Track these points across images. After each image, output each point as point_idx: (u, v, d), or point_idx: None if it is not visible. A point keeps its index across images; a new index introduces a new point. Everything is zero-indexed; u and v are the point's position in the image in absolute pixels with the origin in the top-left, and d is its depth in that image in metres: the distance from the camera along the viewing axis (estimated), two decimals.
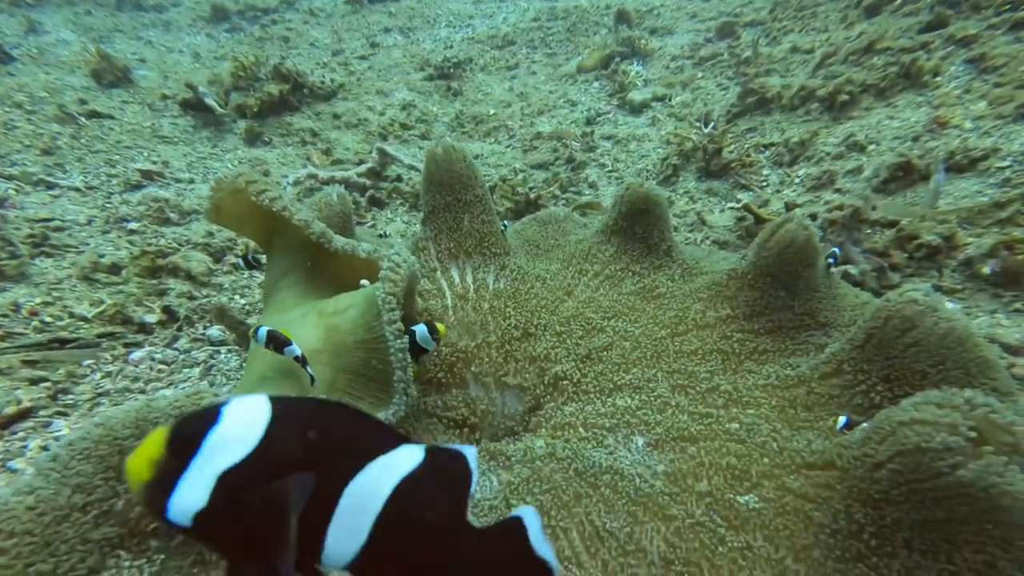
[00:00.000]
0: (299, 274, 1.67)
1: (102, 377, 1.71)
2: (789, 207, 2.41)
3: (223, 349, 1.98)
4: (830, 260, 1.72)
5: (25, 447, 1.34)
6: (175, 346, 1.98)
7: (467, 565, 0.56)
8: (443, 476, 0.57)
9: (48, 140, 3.65)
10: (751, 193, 2.69)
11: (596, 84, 4.16)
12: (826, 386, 1.36)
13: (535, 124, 3.74)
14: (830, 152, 2.67)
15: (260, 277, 2.51)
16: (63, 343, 1.82)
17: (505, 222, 2.27)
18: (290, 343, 1.12)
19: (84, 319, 2.00)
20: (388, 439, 0.57)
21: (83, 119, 4.03)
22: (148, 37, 6.47)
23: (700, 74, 3.78)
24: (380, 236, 2.57)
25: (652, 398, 1.46)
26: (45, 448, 1.37)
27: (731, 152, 2.86)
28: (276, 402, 0.53)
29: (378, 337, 1.30)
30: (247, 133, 4.17)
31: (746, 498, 1.05)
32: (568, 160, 3.19)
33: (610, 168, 3.13)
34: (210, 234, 2.76)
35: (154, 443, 0.51)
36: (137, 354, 1.86)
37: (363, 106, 4.57)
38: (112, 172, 3.35)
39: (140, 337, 1.97)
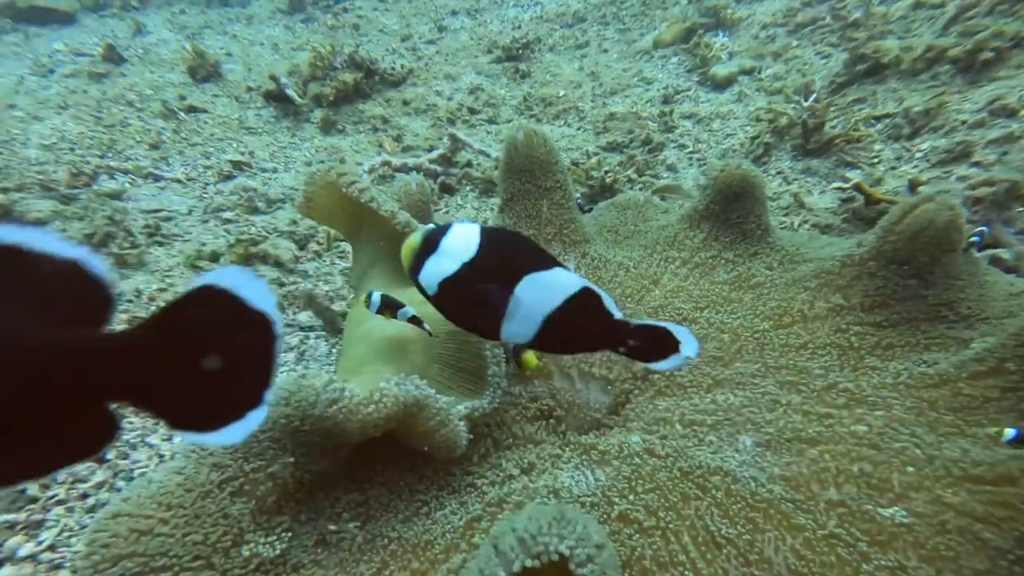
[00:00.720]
0: (386, 263, 1.70)
1: None
2: (914, 184, 2.16)
3: (312, 335, 2.07)
4: (974, 240, 1.52)
5: (157, 423, 1.47)
6: None
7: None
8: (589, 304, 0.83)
9: (155, 135, 3.95)
10: (859, 171, 2.45)
11: (674, 59, 3.93)
12: (979, 387, 1.20)
13: (607, 104, 3.60)
14: (966, 120, 2.36)
15: (340, 264, 2.60)
16: None
17: (581, 202, 2.20)
18: (403, 306, 1.17)
19: None
20: (547, 260, 0.85)
21: (182, 114, 4.32)
22: (233, 31, 6.82)
23: (795, 42, 3.46)
24: None
25: (758, 395, 1.36)
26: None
27: (834, 127, 2.61)
28: (484, 229, 0.86)
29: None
30: (323, 122, 4.32)
31: (890, 511, 0.95)
32: (644, 141, 3.05)
33: (691, 149, 2.96)
34: (294, 222, 2.88)
35: (414, 239, 0.88)
36: None
37: (431, 91, 4.60)
38: (207, 164, 3.58)
39: None
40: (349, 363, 1.38)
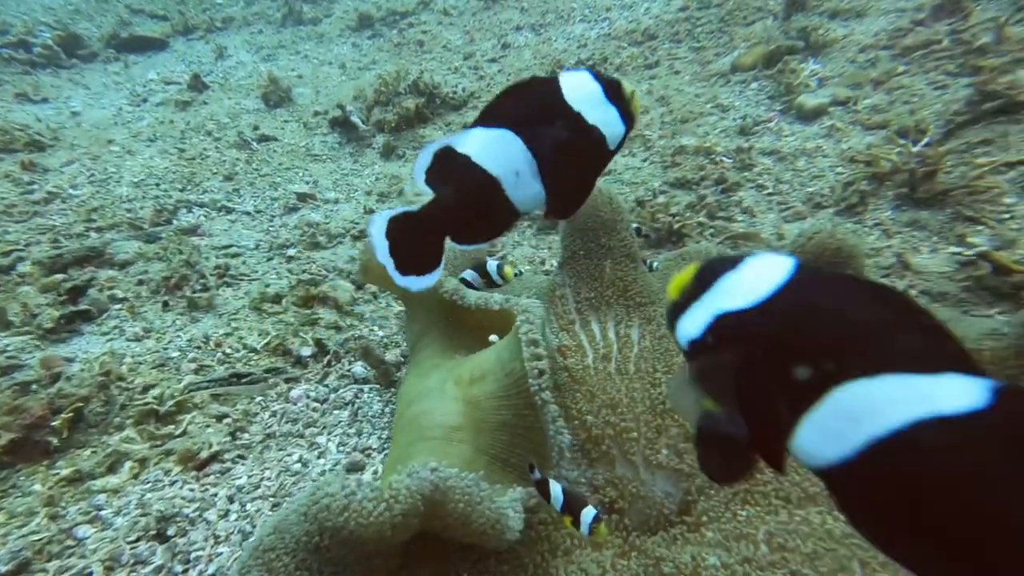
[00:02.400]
0: (437, 331, 1.66)
1: (269, 416, 1.87)
2: None
3: (366, 388, 2.07)
4: None
5: (215, 496, 1.50)
6: (326, 382, 2.11)
7: None
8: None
9: (230, 166, 4.17)
10: (983, 227, 2.14)
11: (755, 85, 3.68)
12: None
13: (677, 135, 3.43)
14: None
15: (396, 307, 2.60)
16: (239, 378, 2.03)
17: (654, 263, 2.08)
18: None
19: (254, 350, 2.22)
20: (937, 358, 0.42)
21: (255, 144, 4.54)
22: (305, 51, 7.13)
23: (903, 68, 3.10)
24: (516, 275, 2.53)
25: None
26: (231, 499, 1.51)
27: (948, 175, 2.31)
28: (804, 266, 0.50)
29: (523, 424, 1.22)
30: (384, 148, 4.40)
31: None
32: (718, 180, 2.86)
33: (770, 190, 2.74)
34: (352, 259, 2.93)
35: (688, 272, 0.57)
36: (296, 391, 2.01)
37: None
38: (275, 196, 3.72)
39: (297, 371, 2.14)
40: (397, 451, 1.34)
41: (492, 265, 1.92)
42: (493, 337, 1.22)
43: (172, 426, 1.73)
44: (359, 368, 2.18)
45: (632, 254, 1.99)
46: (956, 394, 0.40)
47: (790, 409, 0.47)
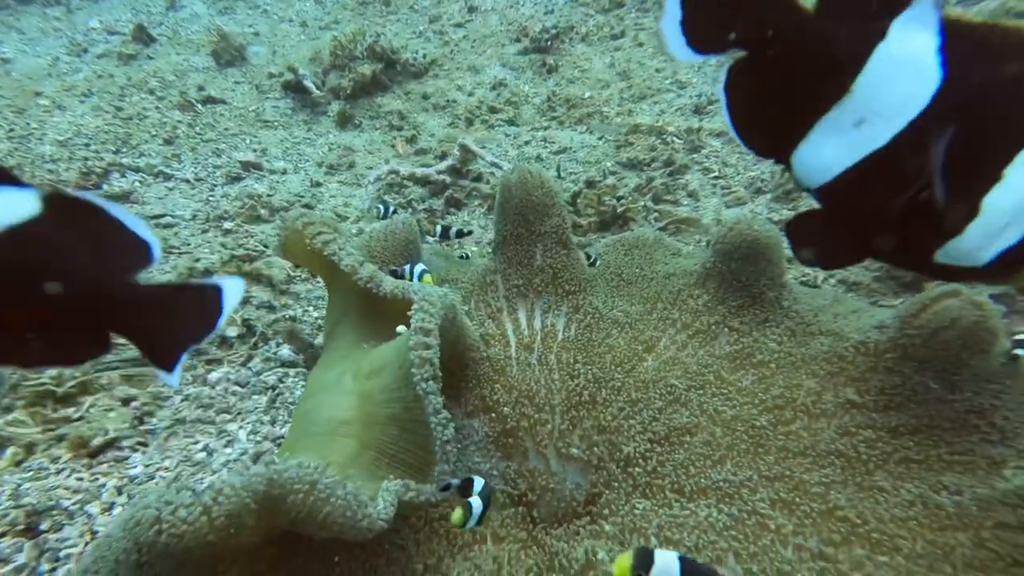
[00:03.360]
0: (351, 320, 1.60)
1: (181, 400, 1.81)
2: None
3: (292, 372, 2.01)
4: (1018, 347, 1.30)
5: (102, 487, 1.44)
6: (249, 365, 2.05)
7: None
8: None
9: (170, 129, 3.93)
10: None
11: (713, 60, 3.60)
12: (1006, 543, 1.02)
13: (633, 112, 3.35)
14: None
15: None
16: None
17: (595, 257, 2.02)
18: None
19: None
20: None
21: (200, 106, 4.29)
22: (265, 5, 6.70)
23: None
24: (461, 258, 2.45)
25: (746, 514, 1.20)
26: (120, 490, 1.46)
27: None
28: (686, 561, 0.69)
29: (411, 417, 1.19)
30: (339, 116, 4.21)
31: None
32: (667, 163, 2.81)
33: (716, 174, 2.70)
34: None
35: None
36: (215, 374, 1.95)
37: (453, 85, 4.41)
38: (218, 163, 3.54)
39: (220, 353, 2.06)
40: (285, 447, 1.30)
41: (418, 269, 1.81)
42: (400, 328, 1.18)
43: (72, 409, 1.65)
44: (286, 351, 2.12)
45: (565, 240, 1.95)
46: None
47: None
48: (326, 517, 0.84)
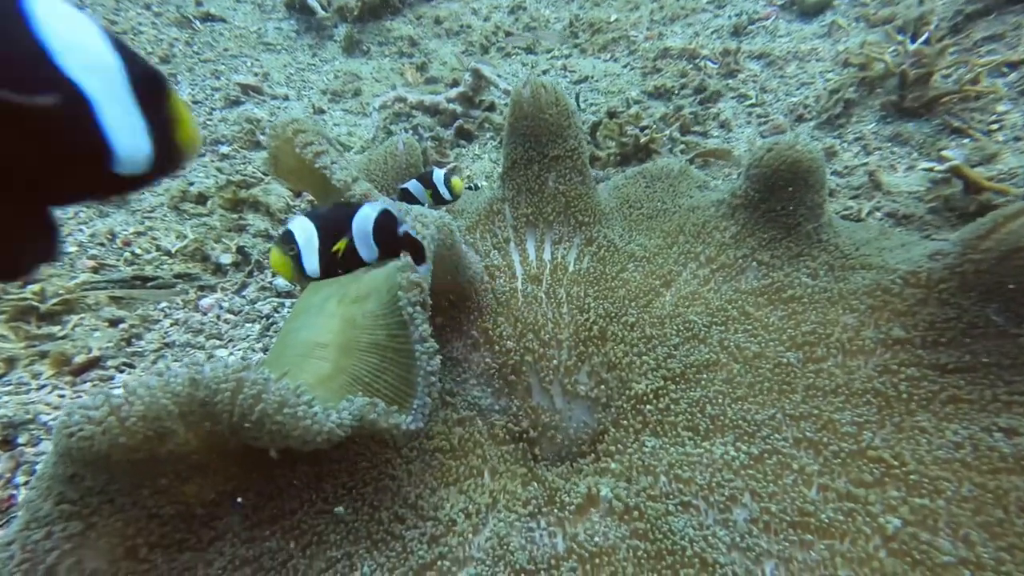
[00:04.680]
0: None
1: (171, 325, 1.77)
2: None
3: (288, 302, 1.95)
4: None
5: None
6: (243, 293, 1.98)
7: None
8: None
9: (167, 47, 3.76)
10: (968, 140, 1.93)
11: None
12: None
13: (664, 36, 3.07)
14: None
15: None
16: (145, 281, 1.89)
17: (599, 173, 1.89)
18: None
19: (168, 253, 2.07)
20: None
21: (198, 23, 4.09)
22: None
23: None
24: (469, 188, 2.32)
25: (766, 453, 1.11)
26: None
27: (947, 78, 2.05)
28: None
29: (394, 346, 1.10)
30: (346, 41, 3.98)
31: None
32: (698, 89, 2.58)
33: (752, 101, 2.47)
34: None
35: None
36: (207, 300, 1.89)
37: (467, 8, 4.12)
38: (216, 85, 3.39)
39: (213, 280, 2.00)
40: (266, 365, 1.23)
41: (439, 174, 1.71)
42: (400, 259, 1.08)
43: (57, 327, 1.62)
44: (282, 281, 2.05)
45: (580, 166, 1.81)
46: None
47: None
48: (262, 417, 0.75)
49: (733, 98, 2.55)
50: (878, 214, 1.83)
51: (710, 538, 0.98)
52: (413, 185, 1.67)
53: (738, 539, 0.95)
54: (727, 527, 0.99)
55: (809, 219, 1.48)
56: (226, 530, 0.91)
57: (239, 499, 0.93)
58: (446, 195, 1.67)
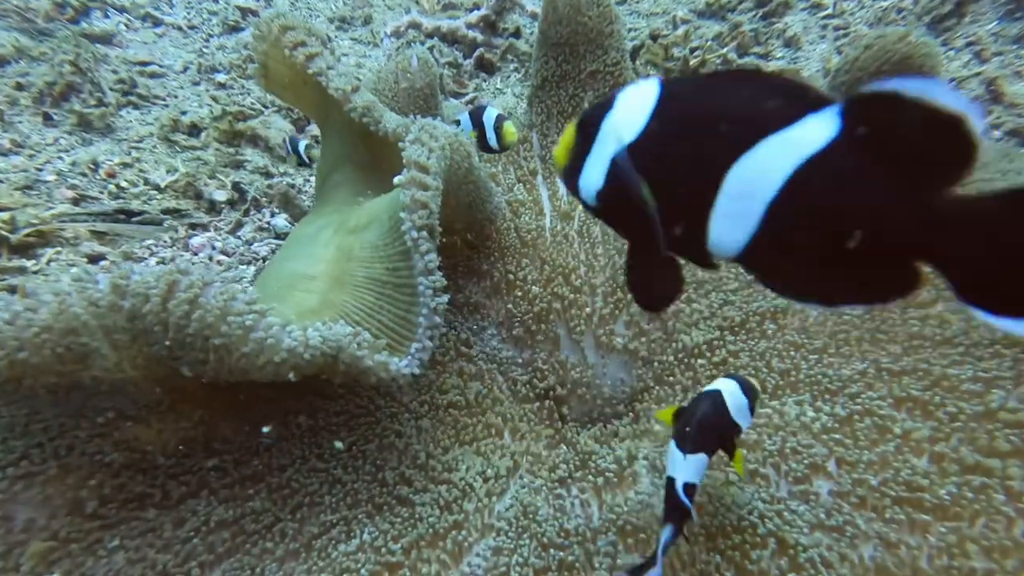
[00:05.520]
0: (347, 170, 1.33)
1: (157, 263, 1.64)
2: None
3: None
4: None
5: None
6: (239, 234, 1.84)
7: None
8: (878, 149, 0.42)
9: None
10: None
11: None
12: None
13: None
14: None
15: None
16: (130, 215, 1.76)
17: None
18: None
19: (157, 188, 1.93)
20: (797, 109, 0.45)
21: None
22: None
23: None
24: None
25: (856, 413, 0.93)
26: None
27: None
28: (667, 83, 0.52)
29: (394, 280, 0.94)
30: None
31: None
32: (760, 2, 2.29)
33: (829, 11, 2.16)
34: None
35: (569, 132, 0.58)
36: (198, 239, 1.75)
37: None
38: (213, 8, 3.18)
39: (206, 218, 1.86)
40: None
41: (491, 114, 1.36)
42: (398, 178, 0.91)
43: (31, 261, 1.50)
44: (281, 221, 1.90)
45: (623, 82, 1.58)
46: (815, 132, 0.43)
47: (698, 210, 0.49)
48: (201, 328, 0.60)
49: (804, 9, 2.24)
50: (997, 133, 1.57)
51: (786, 514, 0.82)
52: (464, 118, 1.40)
53: (823, 516, 0.79)
54: (807, 501, 0.82)
55: None
56: (201, 486, 0.78)
57: (216, 447, 0.80)
58: (492, 142, 1.34)
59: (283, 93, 1.46)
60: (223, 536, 0.74)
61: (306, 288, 0.88)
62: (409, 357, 0.78)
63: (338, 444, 0.86)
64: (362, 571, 0.78)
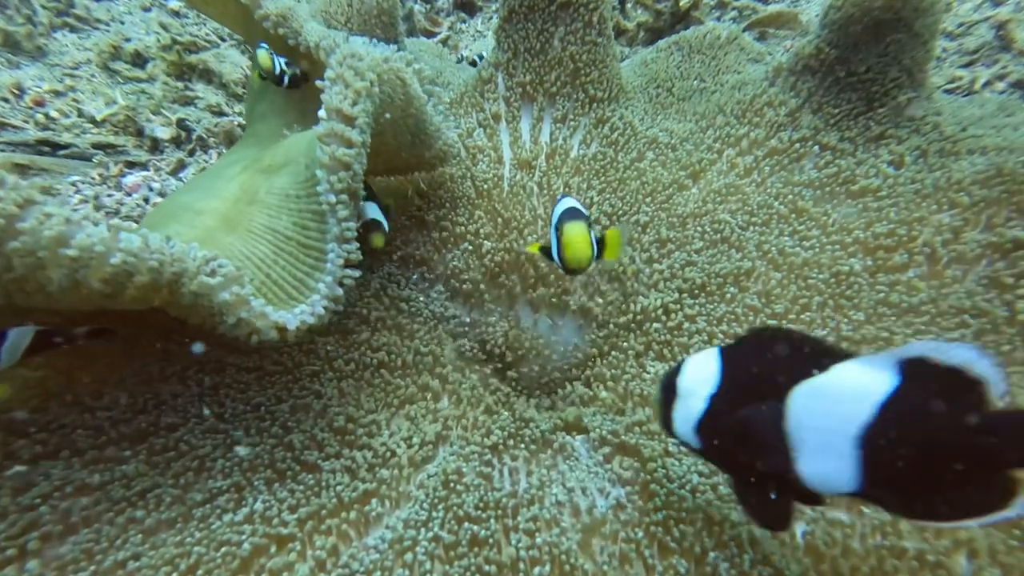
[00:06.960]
0: (276, 96, 1.21)
1: (80, 201, 1.53)
2: None
3: None
4: None
5: None
6: (181, 175, 1.73)
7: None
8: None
9: None
10: None
11: None
12: None
13: None
14: None
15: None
16: (55, 148, 1.64)
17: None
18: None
19: (93, 120, 1.80)
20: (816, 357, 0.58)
21: None
22: None
23: None
24: (459, 62, 1.96)
25: None
26: None
27: None
28: (725, 351, 0.64)
29: (298, 239, 0.83)
30: None
31: None
32: None
33: None
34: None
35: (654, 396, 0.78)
36: (132, 178, 1.64)
37: None
38: None
39: (144, 156, 1.74)
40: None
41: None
42: (316, 129, 0.79)
43: None
44: None
45: (598, 21, 1.45)
46: (872, 378, 0.54)
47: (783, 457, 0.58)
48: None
49: None
50: (1000, 84, 1.45)
51: (720, 487, 0.76)
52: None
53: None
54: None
55: (904, 86, 1.14)
56: (59, 446, 0.70)
57: (87, 403, 0.72)
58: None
59: (204, 6, 1.31)
60: (80, 503, 0.66)
61: (188, 222, 0.79)
62: (292, 315, 0.68)
63: (206, 411, 0.78)
64: (245, 544, 0.71)
